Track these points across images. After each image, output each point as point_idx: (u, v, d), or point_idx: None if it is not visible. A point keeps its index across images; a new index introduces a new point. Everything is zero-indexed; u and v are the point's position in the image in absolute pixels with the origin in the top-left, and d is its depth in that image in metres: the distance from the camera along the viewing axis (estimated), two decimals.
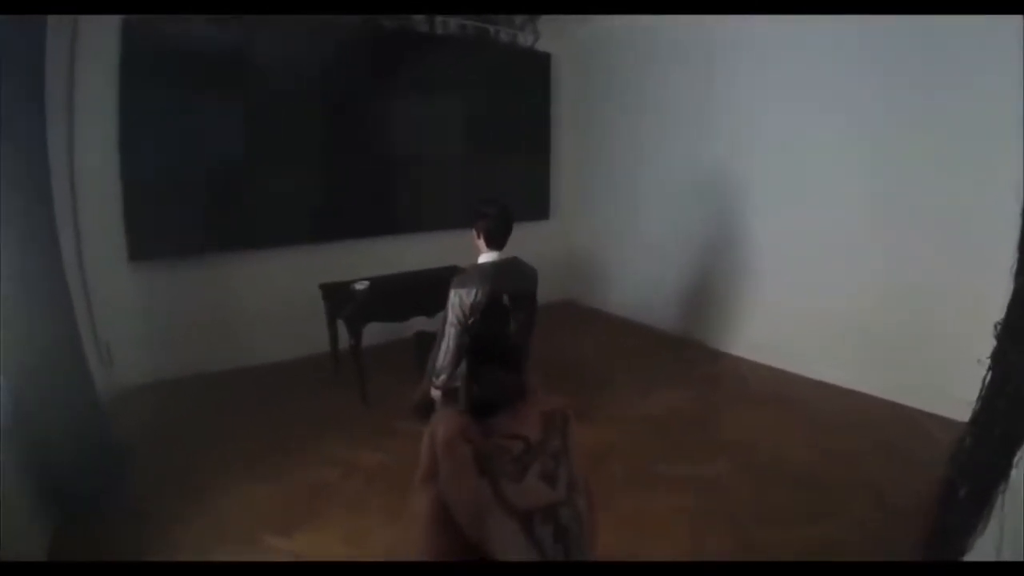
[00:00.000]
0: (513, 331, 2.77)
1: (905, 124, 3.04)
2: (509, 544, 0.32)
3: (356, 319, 3.26)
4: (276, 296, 3.81)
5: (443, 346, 2.57)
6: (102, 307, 3.34)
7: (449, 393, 2.67)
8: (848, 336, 3.39)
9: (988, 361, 1.20)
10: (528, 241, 4.74)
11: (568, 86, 4.90)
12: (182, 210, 3.44)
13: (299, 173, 3.81)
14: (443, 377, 2.56)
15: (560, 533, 0.32)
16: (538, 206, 4.91)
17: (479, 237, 2.60)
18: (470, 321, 2.48)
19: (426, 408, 2.74)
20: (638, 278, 4.61)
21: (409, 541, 0.36)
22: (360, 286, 3.44)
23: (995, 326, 1.18)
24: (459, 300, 2.46)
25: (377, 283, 3.49)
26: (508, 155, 4.64)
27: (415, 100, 4.16)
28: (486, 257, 2.57)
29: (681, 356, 4.03)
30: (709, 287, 4.15)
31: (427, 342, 2.70)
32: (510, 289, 2.51)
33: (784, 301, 3.69)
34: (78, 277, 3.18)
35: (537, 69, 4.74)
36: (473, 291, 2.44)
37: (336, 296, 3.39)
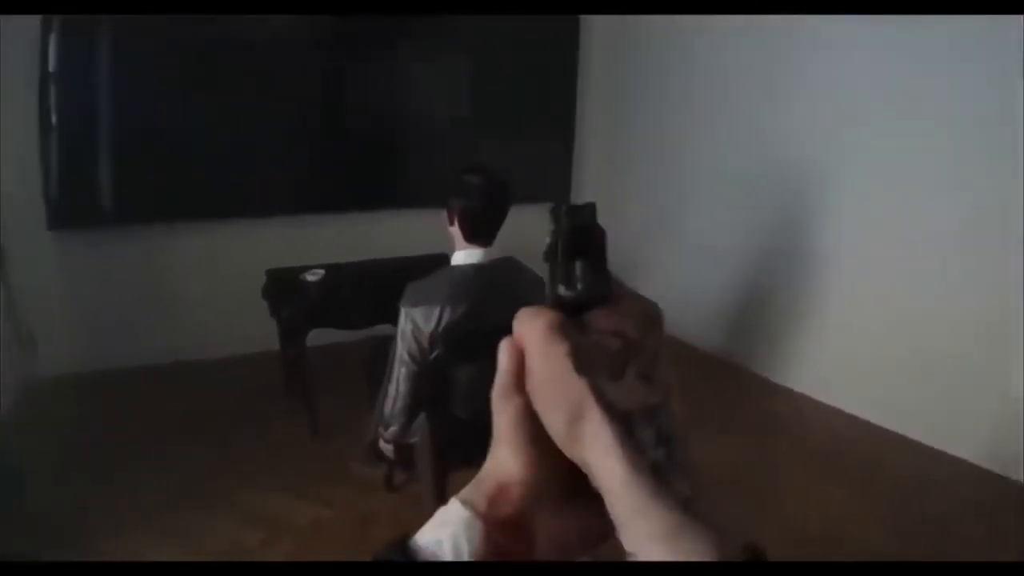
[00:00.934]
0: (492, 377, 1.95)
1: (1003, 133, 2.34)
2: (608, 449, 0.30)
3: (297, 322, 2.50)
4: (225, 278, 3.19)
5: (391, 389, 1.85)
6: (22, 283, 2.86)
7: (404, 451, 1.95)
8: (934, 380, 2.64)
9: None
10: (541, 233, 4.01)
11: (601, 49, 4.09)
12: (114, 173, 2.97)
13: (261, 134, 3.24)
14: (393, 430, 1.89)
15: (662, 437, 0.31)
16: (556, 191, 4.12)
17: (452, 223, 1.79)
18: (432, 357, 1.71)
19: (378, 455, 2.04)
20: (676, 283, 3.79)
21: (496, 462, 0.34)
22: (312, 276, 2.69)
23: None
24: (412, 326, 1.71)
25: (334, 274, 2.73)
26: (524, 128, 3.91)
27: (413, 57, 3.54)
28: (464, 256, 1.78)
29: (723, 387, 3.22)
30: (763, 301, 3.40)
31: (384, 358, 1.99)
32: (496, 311, 1.66)
33: (856, 327, 2.96)
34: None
35: (563, 29, 3.93)
36: (435, 312, 1.68)
37: (280, 287, 2.64)
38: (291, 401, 2.77)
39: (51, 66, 2.68)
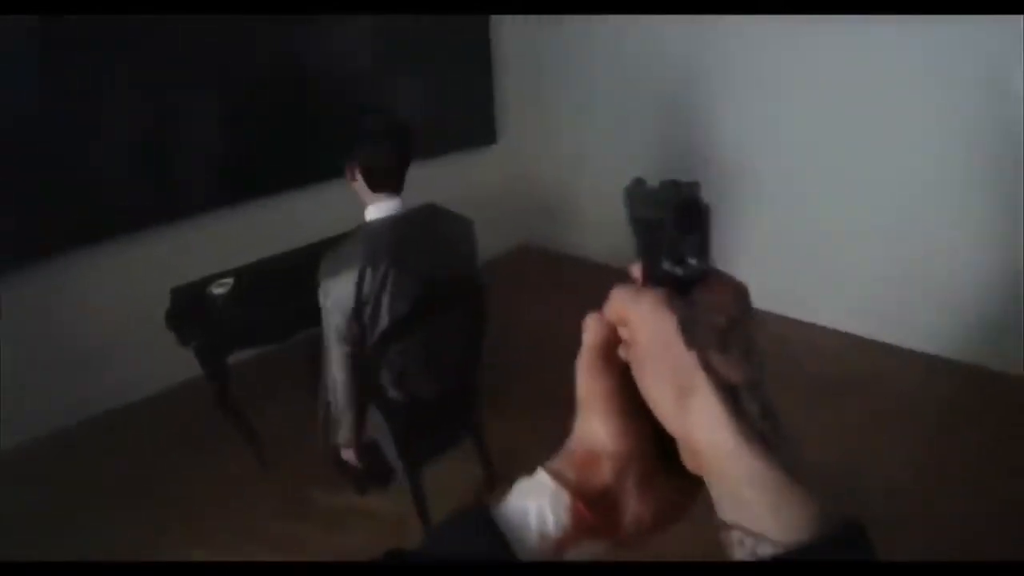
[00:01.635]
0: (446, 343, 1.77)
1: None
2: (719, 421, 0.32)
3: (211, 348, 2.14)
4: (129, 304, 2.72)
5: (329, 381, 1.68)
6: None
7: (369, 450, 1.79)
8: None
9: None
10: (472, 173, 3.69)
11: None
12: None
13: (135, 127, 2.67)
14: (345, 427, 1.70)
15: (767, 411, 0.33)
16: (482, 128, 3.78)
17: (355, 178, 1.65)
18: (368, 325, 1.56)
19: (341, 467, 1.84)
20: (611, 211, 3.55)
21: (585, 434, 0.35)
22: (219, 288, 2.32)
23: None
24: (335, 298, 1.54)
25: (245, 279, 2.36)
26: (438, 65, 3.49)
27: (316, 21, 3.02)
28: (375, 210, 1.63)
29: None
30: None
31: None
32: (426, 263, 1.59)
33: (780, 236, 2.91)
34: None
35: None
36: (353, 276, 1.51)
37: (186, 307, 2.26)
38: (231, 434, 2.44)
39: None
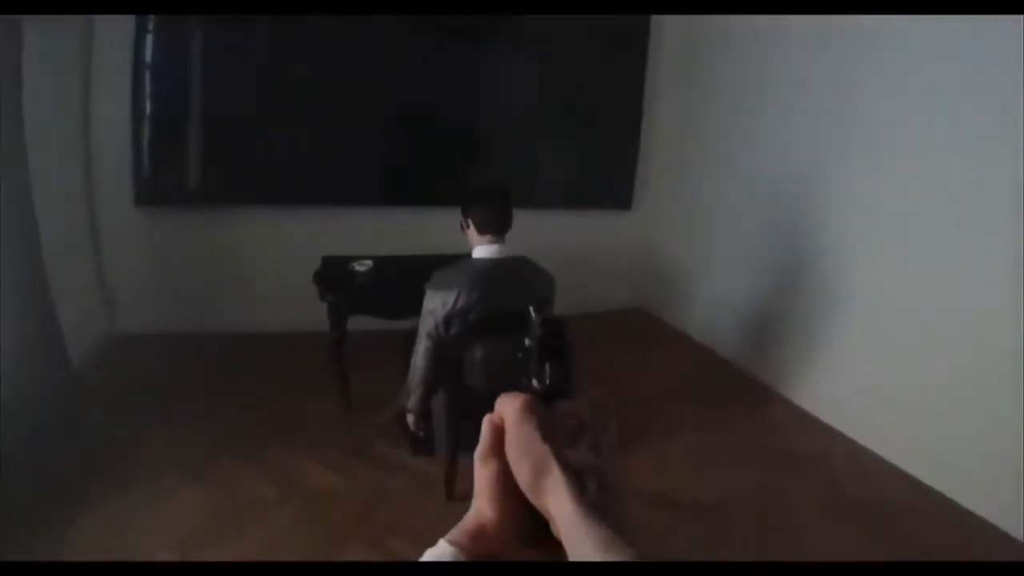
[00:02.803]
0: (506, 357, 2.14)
1: None
2: (564, 495, 0.45)
3: (340, 307, 2.75)
4: (291, 261, 3.45)
5: (413, 361, 2.18)
6: (110, 251, 3.36)
7: (424, 417, 2.26)
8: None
9: None
10: (603, 234, 4.09)
11: (672, 47, 4.07)
12: (195, 158, 3.34)
13: (330, 127, 3.52)
14: (414, 399, 2.20)
15: (603, 485, 0.46)
16: (619, 193, 4.16)
17: (467, 227, 2.19)
18: (450, 335, 2.04)
19: (402, 426, 2.31)
20: (723, 299, 3.75)
21: (477, 510, 0.49)
22: (360, 267, 2.93)
23: None
24: (434, 306, 2.05)
25: (381, 266, 2.95)
26: (588, 127, 3.99)
27: (483, 56, 3.72)
28: (480, 251, 2.12)
29: (753, 411, 3.17)
30: (785, 317, 3.33)
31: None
32: (510, 299, 1.95)
33: (877, 358, 2.84)
34: (87, 219, 3.24)
35: (633, 25, 3.95)
36: (453, 295, 2.01)
37: (331, 273, 2.91)
38: (331, 378, 3.04)
39: (144, 59, 3.07)
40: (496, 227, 2.11)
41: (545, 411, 0.49)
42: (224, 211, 3.41)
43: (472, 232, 2.15)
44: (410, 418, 2.24)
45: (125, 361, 3.25)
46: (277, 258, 3.53)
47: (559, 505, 0.45)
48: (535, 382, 0.51)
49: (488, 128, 3.80)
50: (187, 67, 3.18)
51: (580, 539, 0.43)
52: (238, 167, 3.38)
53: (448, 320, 2.01)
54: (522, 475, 0.47)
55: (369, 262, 3.00)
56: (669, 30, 3.99)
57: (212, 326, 3.50)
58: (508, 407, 0.50)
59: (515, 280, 2.09)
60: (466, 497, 0.57)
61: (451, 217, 3.61)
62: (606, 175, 4.13)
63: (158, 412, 2.80)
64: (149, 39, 3.07)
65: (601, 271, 4.25)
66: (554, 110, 3.88)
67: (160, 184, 3.27)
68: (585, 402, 0.51)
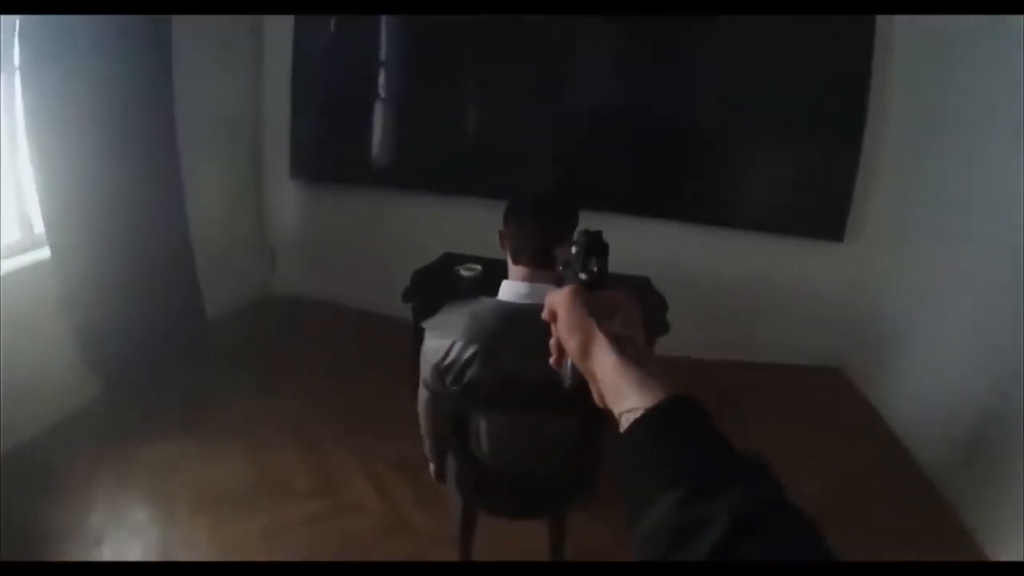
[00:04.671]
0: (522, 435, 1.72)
1: None
2: (607, 351, 0.58)
3: (426, 312, 2.60)
4: (434, 249, 3.47)
5: (418, 406, 1.82)
6: (270, 216, 3.79)
7: (440, 471, 1.97)
8: None
9: None
10: (802, 267, 3.36)
11: (903, 51, 3.05)
12: (348, 138, 3.50)
13: (499, 119, 3.42)
14: (425, 448, 1.90)
15: (634, 346, 0.60)
16: (829, 219, 3.29)
17: (504, 248, 1.63)
18: (449, 390, 1.58)
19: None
20: (943, 379, 2.73)
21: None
22: (466, 271, 2.75)
23: None
24: (427, 350, 1.59)
25: (491, 272, 2.73)
26: (798, 136, 3.21)
27: (681, 49, 3.23)
28: (506, 289, 1.57)
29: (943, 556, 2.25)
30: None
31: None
32: (522, 364, 1.42)
33: None
34: (253, 186, 3.70)
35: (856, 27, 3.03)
36: (447, 344, 1.53)
37: (433, 272, 2.81)
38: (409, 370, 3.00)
39: (303, 49, 3.35)
40: (532, 256, 1.53)
41: (588, 295, 0.64)
42: (366, 192, 3.57)
43: (509, 258, 1.60)
44: (431, 465, 1.94)
45: (261, 318, 3.65)
46: (422, 244, 3.54)
47: (602, 361, 0.59)
48: (582, 275, 0.67)
49: (680, 131, 3.30)
50: (339, 55, 3.36)
51: (620, 383, 0.57)
52: (384, 152, 3.50)
53: (441, 372, 1.56)
54: (572, 345, 0.62)
55: (478, 267, 2.78)
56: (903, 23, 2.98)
57: (338, 297, 3.74)
58: (558, 297, 0.65)
59: (535, 339, 1.51)
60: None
61: (625, 227, 3.28)
62: (814, 195, 3.29)
63: (262, 370, 3.11)
64: (309, 31, 3.33)
65: (795, 314, 3.47)
66: (761, 114, 3.21)
67: (311, 161, 3.56)
68: (620, 290, 0.67)
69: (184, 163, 2.90)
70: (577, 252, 0.68)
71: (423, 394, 1.70)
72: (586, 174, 3.39)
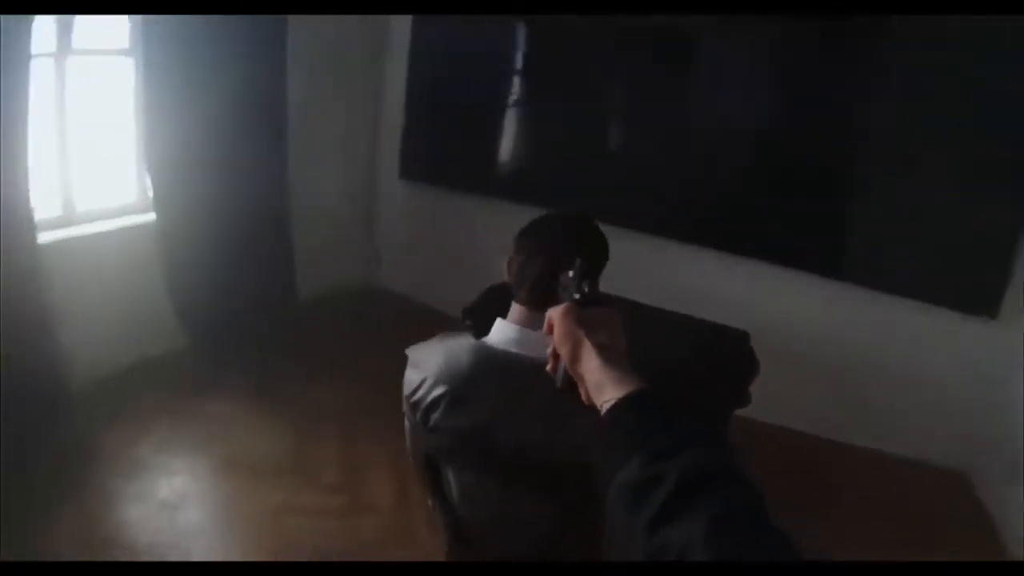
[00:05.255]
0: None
1: None
2: (592, 355, 0.72)
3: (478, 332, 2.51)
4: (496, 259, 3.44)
5: None
6: (378, 212, 3.92)
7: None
8: None
9: None
10: (940, 345, 2.97)
11: None
12: (460, 143, 3.51)
13: (617, 136, 3.30)
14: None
15: (617, 354, 0.76)
16: (981, 290, 2.74)
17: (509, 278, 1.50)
18: (429, 424, 1.40)
19: None
20: None
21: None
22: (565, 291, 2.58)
23: None
24: (405, 380, 1.45)
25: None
26: (953, 188, 2.68)
27: (825, 72, 2.84)
28: (497, 330, 1.35)
29: None
30: None
31: None
32: (494, 418, 1.28)
33: None
34: (364, 184, 3.86)
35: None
36: (418, 380, 1.39)
37: (499, 292, 2.69)
38: None
39: (421, 50, 3.43)
40: (529, 292, 1.29)
41: (580, 312, 0.80)
42: (490, 201, 3.48)
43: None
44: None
45: (352, 309, 3.75)
46: (500, 253, 3.51)
47: (589, 363, 0.75)
48: (576, 295, 0.83)
49: (815, 166, 2.88)
50: (456, 59, 3.37)
51: (602, 380, 0.73)
52: (513, 163, 3.48)
53: (412, 408, 1.41)
54: (564, 351, 0.79)
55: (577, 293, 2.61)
56: None
57: (437, 301, 3.71)
58: (556, 312, 0.82)
59: (513, 393, 1.28)
60: None
61: (735, 268, 3.06)
62: (966, 258, 2.73)
63: (334, 357, 3.19)
64: (424, 36, 3.41)
65: (920, 397, 2.91)
66: (912, 156, 2.70)
67: (419, 163, 3.62)
68: (607, 308, 0.83)
69: (293, 150, 3.12)
70: (573, 276, 0.86)
71: (406, 423, 1.51)
72: (699, 204, 3.11)
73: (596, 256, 1.36)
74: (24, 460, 2.13)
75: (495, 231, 3.43)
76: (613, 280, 2.40)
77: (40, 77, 2.22)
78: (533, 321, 1.26)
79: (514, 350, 1.27)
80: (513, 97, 3.37)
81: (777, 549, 0.55)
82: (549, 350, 0.83)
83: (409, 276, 3.90)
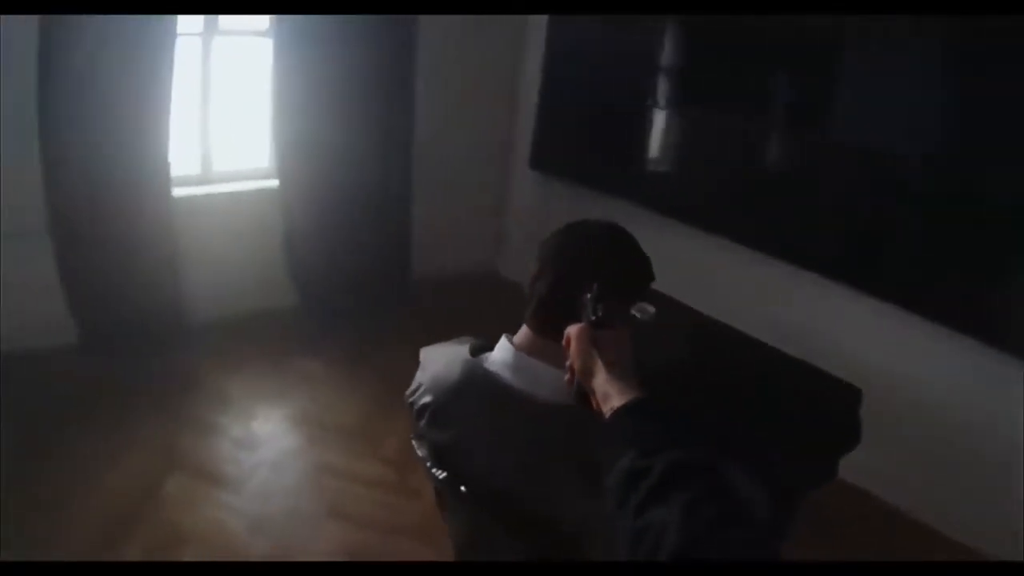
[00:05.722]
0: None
1: None
2: (602, 369, 0.85)
3: None
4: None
5: None
6: (508, 203, 3.95)
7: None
8: None
9: None
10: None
11: None
12: (591, 141, 3.41)
13: (759, 147, 2.92)
14: None
15: (623, 368, 0.88)
16: None
17: None
18: (418, 429, 1.37)
19: None
20: None
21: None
22: (639, 312, 2.40)
23: None
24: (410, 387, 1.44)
25: (664, 320, 2.31)
26: None
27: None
28: (501, 345, 1.25)
29: None
30: None
31: None
32: (467, 448, 1.22)
33: None
34: (495, 170, 3.90)
35: None
36: (416, 382, 1.37)
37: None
38: None
39: (557, 43, 3.36)
40: (533, 315, 1.18)
41: (593, 332, 0.91)
42: (615, 202, 3.24)
43: None
44: None
45: (466, 292, 3.73)
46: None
47: (598, 375, 0.86)
48: (592, 317, 0.92)
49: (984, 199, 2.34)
50: (594, 56, 3.24)
51: (608, 390, 0.83)
52: (621, 164, 3.30)
53: (410, 409, 1.36)
54: (578, 365, 0.89)
55: (651, 310, 2.38)
56: None
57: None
58: (573, 330, 0.93)
59: (490, 425, 1.19)
60: None
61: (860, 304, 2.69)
62: None
63: (434, 336, 3.23)
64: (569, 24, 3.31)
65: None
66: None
67: (548, 155, 3.56)
68: (619, 330, 0.94)
69: (421, 132, 3.23)
70: (590, 298, 0.94)
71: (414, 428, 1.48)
72: (847, 236, 2.65)
73: (619, 276, 1.23)
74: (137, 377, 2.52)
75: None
76: (734, 303, 2.33)
77: (189, 54, 2.55)
78: (532, 345, 1.18)
79: (505, 376, 1.18)
80: (652, 99, 3.14)
81: (745, 536, 0.66)
82: (567, 364, 0.94)
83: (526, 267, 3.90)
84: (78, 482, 2.16)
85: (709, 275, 2.87)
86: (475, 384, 1.20)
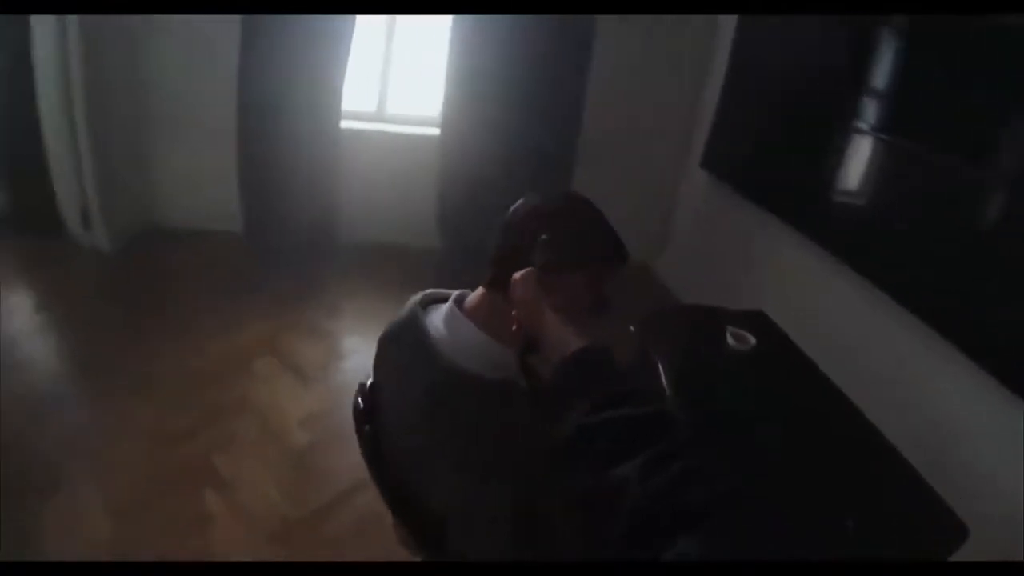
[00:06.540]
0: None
1: None
2: (547, 317, 0.87)
3: None
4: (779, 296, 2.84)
5: None
6: (677, 200, 3.80)
7: None
8: None
9: None
10: None
11: None
12: (767, 154, 3.00)
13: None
14: None
15: (578, 313, 0.94)
16: None
17: None
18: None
19: None
20: None
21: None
22: (734, 340, 2.09)
23: None
24: None
25: (764, 352, 2.09)
26: None
27: None
28: (448, 302, 1.18)
29: None
30: None
31: None
32: (389, 399, 1.18)
33: None
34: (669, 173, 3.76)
35: None
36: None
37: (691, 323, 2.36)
38: None
39: (745, 46, 3.07)
40: (488, 264, 1.10)
41: (541, 275, 0.91)
42: (772, 219, 2.96)
43: None
44: None
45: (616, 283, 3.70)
46: (782, 293, 2.88)
47: (546, 321, 0.86)
48: (542, 262, 0.94)
49: None
50: (782, 60, 2.86)
51: (557, 336, 0.84)
52: (808, 188, 2.76)
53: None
54: (521, 309, 0.89)
55: (752, 340, 2.10)
56: None
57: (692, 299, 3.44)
58: (518, 275, 0.91)
59: (400, 387, 1.12)
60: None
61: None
62: None
63: None
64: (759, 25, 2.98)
65: None
66: None
67: (727, 157, 3.28)
68: (571, 278, 0.96)
69: (593, 108, 3.19)
70: (540, 242, 0.93)
71: None
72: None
73: (573, 234, 1.08)
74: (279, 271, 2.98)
75: (775, 256, 2.93)
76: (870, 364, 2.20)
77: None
78: (477, 304, 1.10)
79: (431, 333, 1.09)
80: (849, 122, 2.54)
81: (706, 491, 0.65)
82: (513, 313, 0.89)
83: (678, 269, 3.67)
84: (189, 342, 2.67)
85: (862, 342, 2.39)
86: (400, 334, 1.14)
